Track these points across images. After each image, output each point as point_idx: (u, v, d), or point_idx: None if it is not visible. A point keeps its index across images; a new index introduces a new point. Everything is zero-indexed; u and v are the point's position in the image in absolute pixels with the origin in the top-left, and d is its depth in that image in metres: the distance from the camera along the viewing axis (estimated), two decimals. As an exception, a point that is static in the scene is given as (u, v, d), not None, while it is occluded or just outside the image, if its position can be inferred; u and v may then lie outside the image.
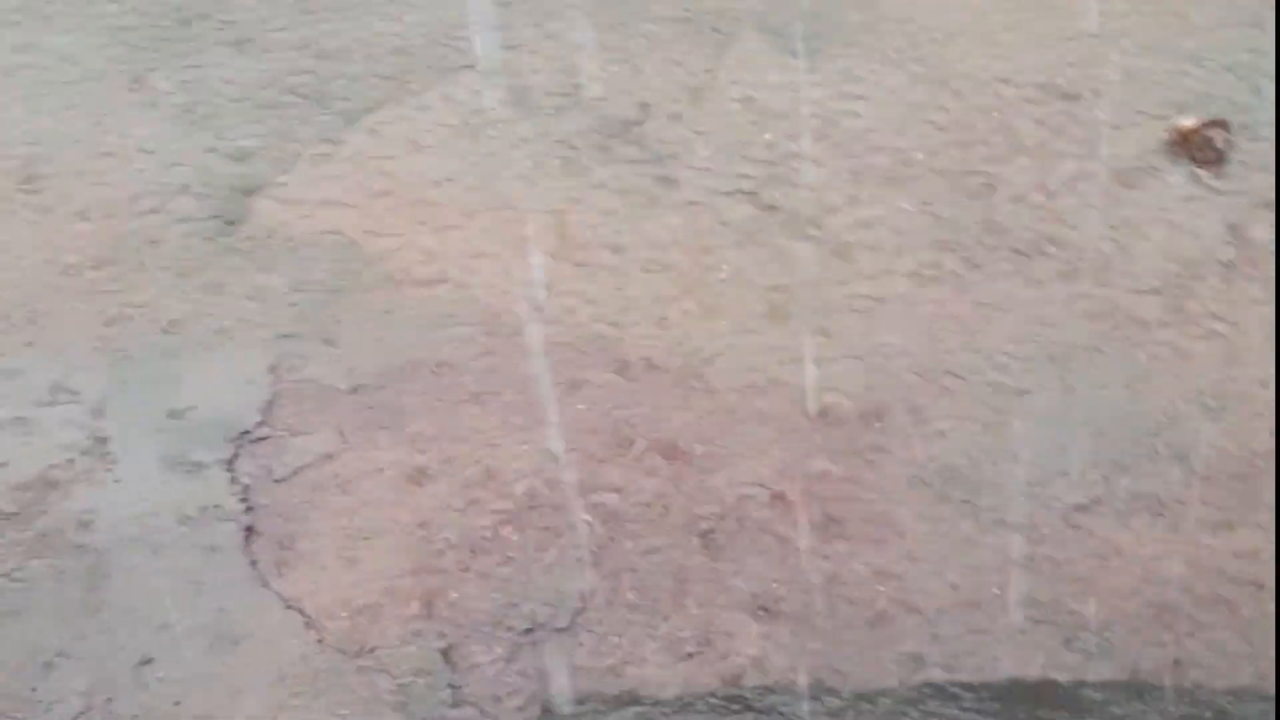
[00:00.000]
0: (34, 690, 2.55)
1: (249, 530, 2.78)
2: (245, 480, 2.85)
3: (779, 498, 2.75)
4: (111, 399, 2.99)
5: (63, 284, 3.27)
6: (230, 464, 2.87)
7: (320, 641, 2.61)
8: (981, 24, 3.60)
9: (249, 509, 2.80)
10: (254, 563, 2.72)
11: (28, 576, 2.72)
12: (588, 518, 2.74)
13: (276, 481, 2.84)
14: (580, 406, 2.90)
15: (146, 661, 2.58)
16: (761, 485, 2.77)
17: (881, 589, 2.76)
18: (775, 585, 2.70)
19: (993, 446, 2.85)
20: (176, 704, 2.54)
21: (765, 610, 2.69)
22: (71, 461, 2.89)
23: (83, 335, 3.13)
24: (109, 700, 2.55)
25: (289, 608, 2.64)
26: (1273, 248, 3.16)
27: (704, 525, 2.72)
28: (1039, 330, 2.90)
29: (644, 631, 2.64)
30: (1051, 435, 2.86)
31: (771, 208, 3.20)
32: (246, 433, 2.92)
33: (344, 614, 2.63)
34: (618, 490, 2.77)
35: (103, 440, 2.92)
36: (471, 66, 3.75)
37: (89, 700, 2.54)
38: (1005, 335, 2.90)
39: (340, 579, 2.68)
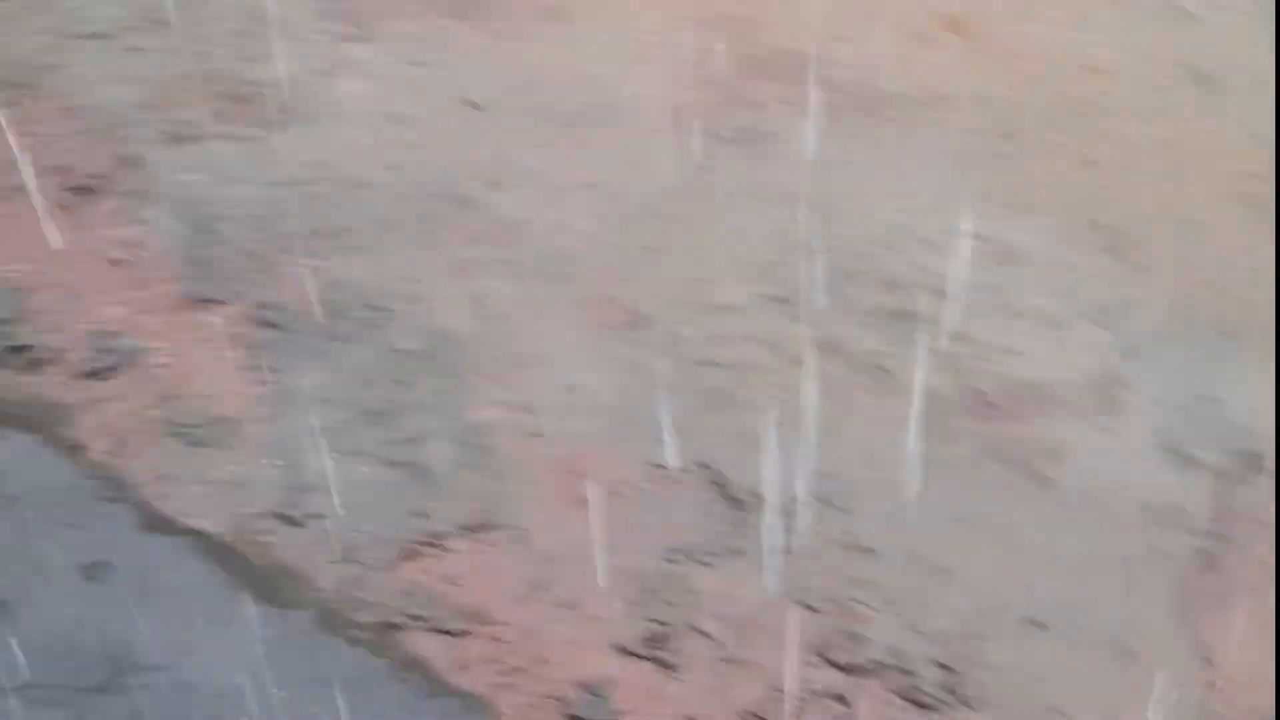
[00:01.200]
0: (920, 599, 2.35)
1: (1203, 554, 2.36)
2: (1227, 501, 2.43)
3: None
4: (1152, 345, 2.71)
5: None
6: (1220, 476, 2.46)
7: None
8: None
9: (1214, 534, 2.39)
10: (1190, 593, 2.31)
11: (969, 479, 2.50)
12: None
13: (1256, 523, 2.39)
14: None
15: (1037, 624, 2.29)
16: None
17: None
18: None
19: None
20: (1039, 683, 2.23)
21: None
22: (1078, 385, 2.67)
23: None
24: (982, 643, 2.28)
25: (1198, 655, 2.22)
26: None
27: None
28: None
29: None
30: None
31: None
32: (1258, 458, 2.48)
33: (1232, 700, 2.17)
34: None
35: (1118, 383, 2.66)
36: None
37: (961, 648, 2.29)
38: None
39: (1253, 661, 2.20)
